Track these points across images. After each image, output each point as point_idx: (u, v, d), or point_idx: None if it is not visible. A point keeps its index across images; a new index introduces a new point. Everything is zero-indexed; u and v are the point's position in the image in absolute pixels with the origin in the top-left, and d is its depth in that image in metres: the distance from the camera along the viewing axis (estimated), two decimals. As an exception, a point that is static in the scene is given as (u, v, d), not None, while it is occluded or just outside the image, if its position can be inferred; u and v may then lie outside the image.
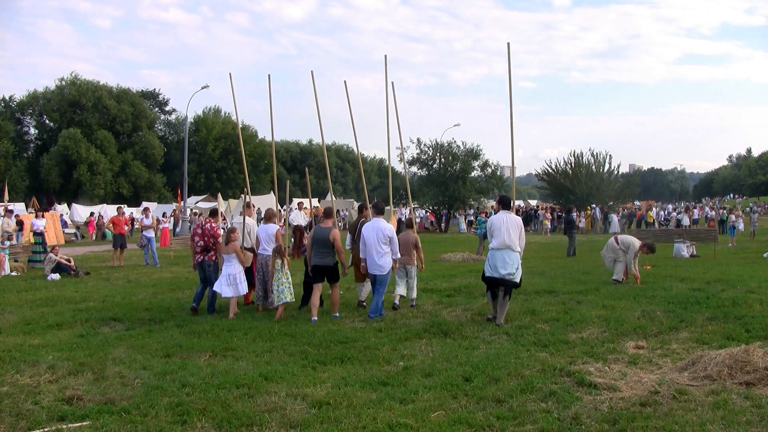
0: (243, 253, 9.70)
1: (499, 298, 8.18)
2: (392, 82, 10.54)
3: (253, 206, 11.47)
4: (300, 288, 9.97)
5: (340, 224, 32.38)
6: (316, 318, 8.69)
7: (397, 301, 9.51)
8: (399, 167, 53.14)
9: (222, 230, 10.57)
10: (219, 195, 30.45)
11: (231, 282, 9.31)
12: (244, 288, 9.48)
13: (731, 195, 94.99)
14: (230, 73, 11.57)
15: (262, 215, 11.37)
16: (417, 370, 6.02)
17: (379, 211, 9.08)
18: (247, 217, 10.49)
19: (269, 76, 10.97)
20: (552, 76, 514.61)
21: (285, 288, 9.15)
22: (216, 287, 9.37)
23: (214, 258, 9.69)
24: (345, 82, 10.98)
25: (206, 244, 9.72)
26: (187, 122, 43.33)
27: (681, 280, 11.68)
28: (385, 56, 10.78)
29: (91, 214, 35.07)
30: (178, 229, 33.02)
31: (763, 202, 66.01)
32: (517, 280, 8.16)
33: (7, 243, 17.61)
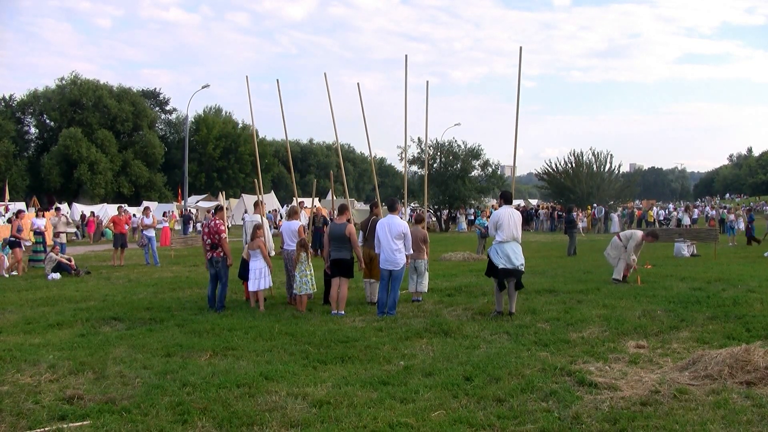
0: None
1: (509, 288, 8.64)
2: (426, 83, 10.78)
3: (263, 204, 11.60)
4: (321, 282, 10.18)
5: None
6: (341, 312, 9.04)
7: (419, 297, 10.04)
8: (399, 166, 53.15)
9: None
10: (223, 193, 30.68)
11: (257, 276, 9.71)
12: (268, 282, 9.83)
13: (728, 195, 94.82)
14: (246, 77, 11.88)
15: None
16: (417, 370, 6.02)
17: (392, 208, 9.25)
18: (256, 215, 10.76)
19: (278, 80, 11.45)
20: (552, 75, 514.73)
21: (308, 279, 9.46)
22: (251, 286, 9.81)
23: (222, 254, 9.82)
24: (358, 84, 11.38)
25: (213, 242, 9.86)
26: (187, 121, 43.41)
27: (681, 279, 11.69)
28: (405, 56, 11.08)
29: (92, 213, 34.29)
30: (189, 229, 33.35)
31: (763, 201, 65.97)
32: (524, 269, 8.83)
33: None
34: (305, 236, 10.21)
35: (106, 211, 37.45)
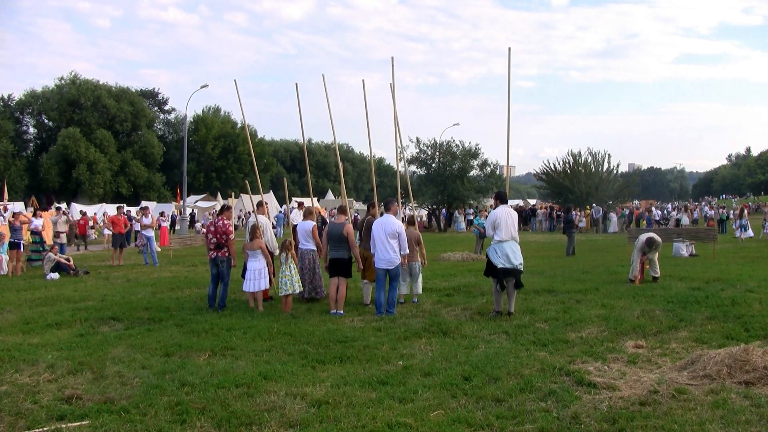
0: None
1: (508, 288, 8.64)
2: (390, 84, 10.79)
3: (266, 204, 11.55)
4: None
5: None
6: (340, 311, 9.07)
7: (401, 299, 9.87)
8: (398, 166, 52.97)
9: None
10: (232, 194, 30.60)
11: (255, 277, 9.68)
12: (265, 283, 9.80)
13: (724, 195, 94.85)
14: (235, 80, 11.96)
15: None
16: (416, 370, 6.02)
17: (387, 208, 9.28)
18: (260, 215, 10.70)
19: (296, 84, 11.99)
20: (550, 75, 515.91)
21: (288, 280, 9.44)
22: (246, 287, 9.77)
23: (227, 254, 9.83)
24: (363, 81, 11.46)
25: (219, 242, 9.83)
26: (186, 121, 43.34)
27: (680, 279, 11.69)
28: (392, 58, 10.99)
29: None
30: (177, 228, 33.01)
31: (762, 201, 66.00)
32: (522, 268, 8.82)
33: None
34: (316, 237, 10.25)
35: (106, 211, 37.36)
